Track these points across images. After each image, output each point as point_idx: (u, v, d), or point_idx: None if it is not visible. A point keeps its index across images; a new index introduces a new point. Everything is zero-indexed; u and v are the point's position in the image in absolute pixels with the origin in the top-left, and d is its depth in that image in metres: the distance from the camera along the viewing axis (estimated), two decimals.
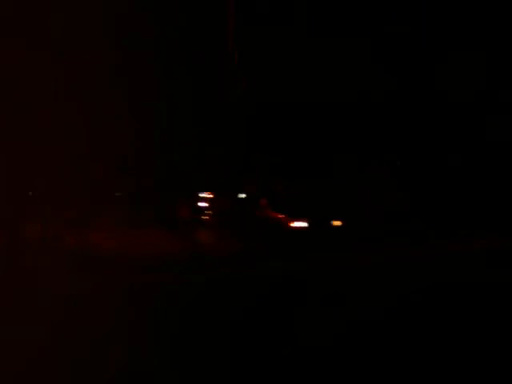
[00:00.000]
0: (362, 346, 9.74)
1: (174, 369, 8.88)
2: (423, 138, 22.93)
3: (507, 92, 22.88)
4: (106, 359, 8.94)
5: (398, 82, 22.76)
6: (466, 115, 22.79)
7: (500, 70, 22.91)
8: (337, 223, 20.38)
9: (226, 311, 11.69)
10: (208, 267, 16.44)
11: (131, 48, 20.06)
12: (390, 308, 11.92)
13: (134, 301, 12.35)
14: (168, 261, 16.86)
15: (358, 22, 22.55)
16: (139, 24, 20.03)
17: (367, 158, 22.38)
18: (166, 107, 21.02)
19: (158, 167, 21.25)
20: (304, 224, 20.00)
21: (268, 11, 22.37)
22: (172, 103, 21.21)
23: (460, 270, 15.66)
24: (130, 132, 20.02)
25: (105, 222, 18.90)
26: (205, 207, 22.72)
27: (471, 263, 16.66)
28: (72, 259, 15.50)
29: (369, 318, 11.26)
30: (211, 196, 22.87)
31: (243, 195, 21.72)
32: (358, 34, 22.47)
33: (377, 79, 22.55)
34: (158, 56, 21.03)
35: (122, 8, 18.96)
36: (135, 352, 9.25)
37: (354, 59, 22.35)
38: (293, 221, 20.05)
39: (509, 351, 9.56)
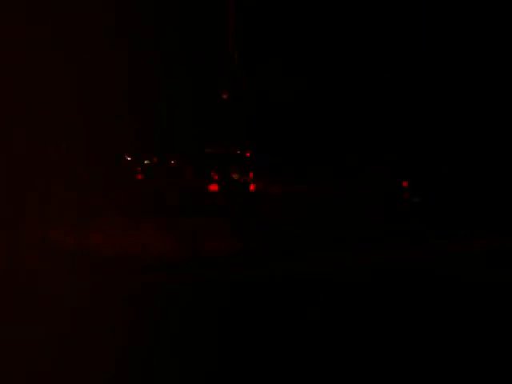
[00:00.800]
0: (362, 346, 9.74)
1: (174, 369, 8.88)
2: (423, 138, 22.92)
3: (507, 92, 22.87)
4: (106, 359, 8.94)
5: (398, 81, 22.77)
6: (465, 114, 22.78)
7: (500, 70, 22.90)
8: None
9: (227, 311, 11.69)
10: (208, 267, 16.42)
11: (131, 48, 20.06)
12: (389, 308, 11.92)
13: (133, 301, 12.34)
14: (168, 261, 16.83)
15: (358, 22, 22.55)
16: (139, 24, 20.04)
17: (367, 158, 22.37)
18: (165, 107, 21.01)
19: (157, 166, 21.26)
20: None
21: (268, 11, 22.37)
22: (172, 103, 21.20)
23: (460, 270, 15.65)
24: (129, 132, 20.02)
25: (105, 222, 18.81)
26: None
27: (471, 263, 16.65)
28: (72, 259, 15.49)
29: (369, 318, 11.26)
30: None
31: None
32: (358, 33, 22.47)
33: (377, 79, 22.56)
34: (158, 56, 21.03)
35: (121, 8, 18.97)
36: (135, 352, 9.25)
37: (354, 59, 22.36)
38: None
39: (509, 351, 9.57)
